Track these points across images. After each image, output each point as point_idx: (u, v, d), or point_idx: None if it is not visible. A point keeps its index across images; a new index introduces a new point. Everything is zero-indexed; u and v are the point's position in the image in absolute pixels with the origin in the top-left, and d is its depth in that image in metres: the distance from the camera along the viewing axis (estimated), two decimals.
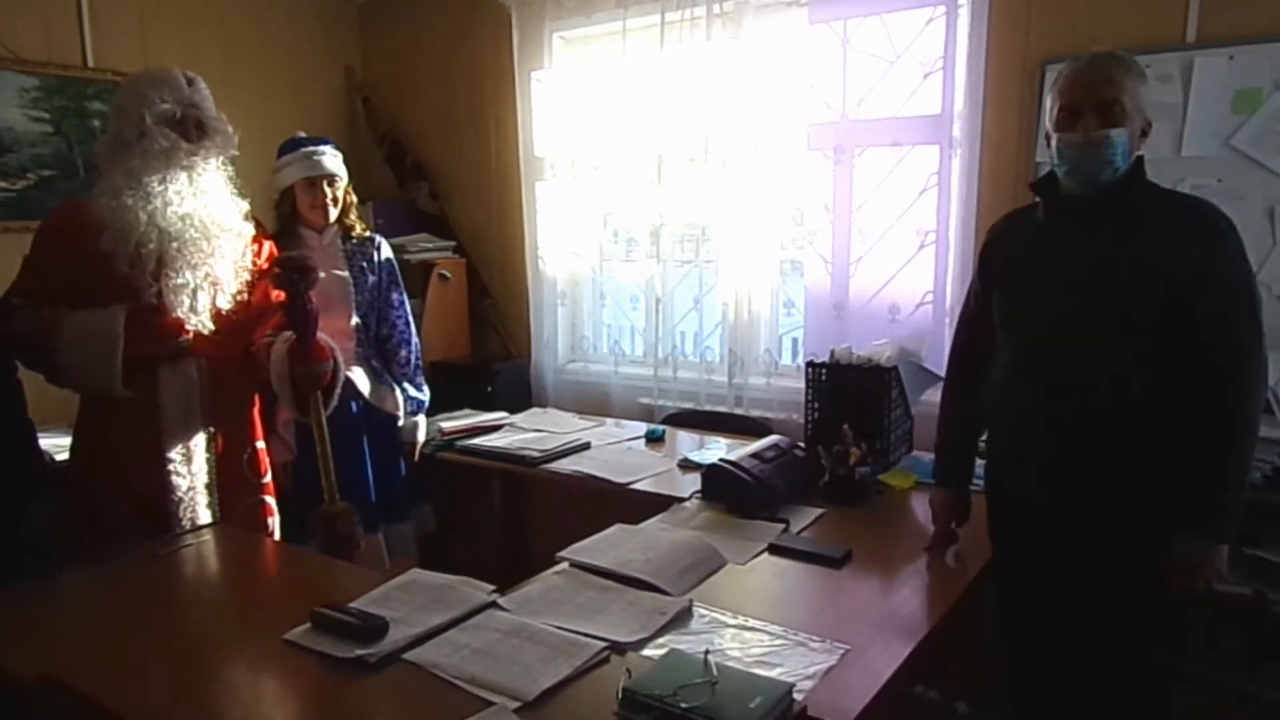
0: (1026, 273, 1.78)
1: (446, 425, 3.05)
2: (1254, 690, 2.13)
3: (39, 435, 2.10)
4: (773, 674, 1.37)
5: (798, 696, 1.31)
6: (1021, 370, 1.79)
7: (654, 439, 2.95)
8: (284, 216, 2.65)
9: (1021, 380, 1.79)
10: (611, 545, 1.89)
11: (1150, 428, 1.64)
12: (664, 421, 3.24)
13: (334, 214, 2.64)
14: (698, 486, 2.30)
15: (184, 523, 2.11)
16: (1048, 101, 1.72)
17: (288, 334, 2.11)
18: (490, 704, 1.31)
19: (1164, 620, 1.81)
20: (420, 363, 2.87)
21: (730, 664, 1.38)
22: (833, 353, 2.57)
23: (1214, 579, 1.64)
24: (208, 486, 2.16)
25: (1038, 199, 1.80)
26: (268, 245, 2.29)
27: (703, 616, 1.60)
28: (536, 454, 2.75)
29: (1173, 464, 1.63)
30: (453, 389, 3.37)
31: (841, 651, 1.46)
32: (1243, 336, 1.58)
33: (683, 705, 1.23)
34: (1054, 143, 1.67)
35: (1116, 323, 1.64)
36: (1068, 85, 1.65)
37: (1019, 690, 1.94)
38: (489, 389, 3.48)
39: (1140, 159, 1.67)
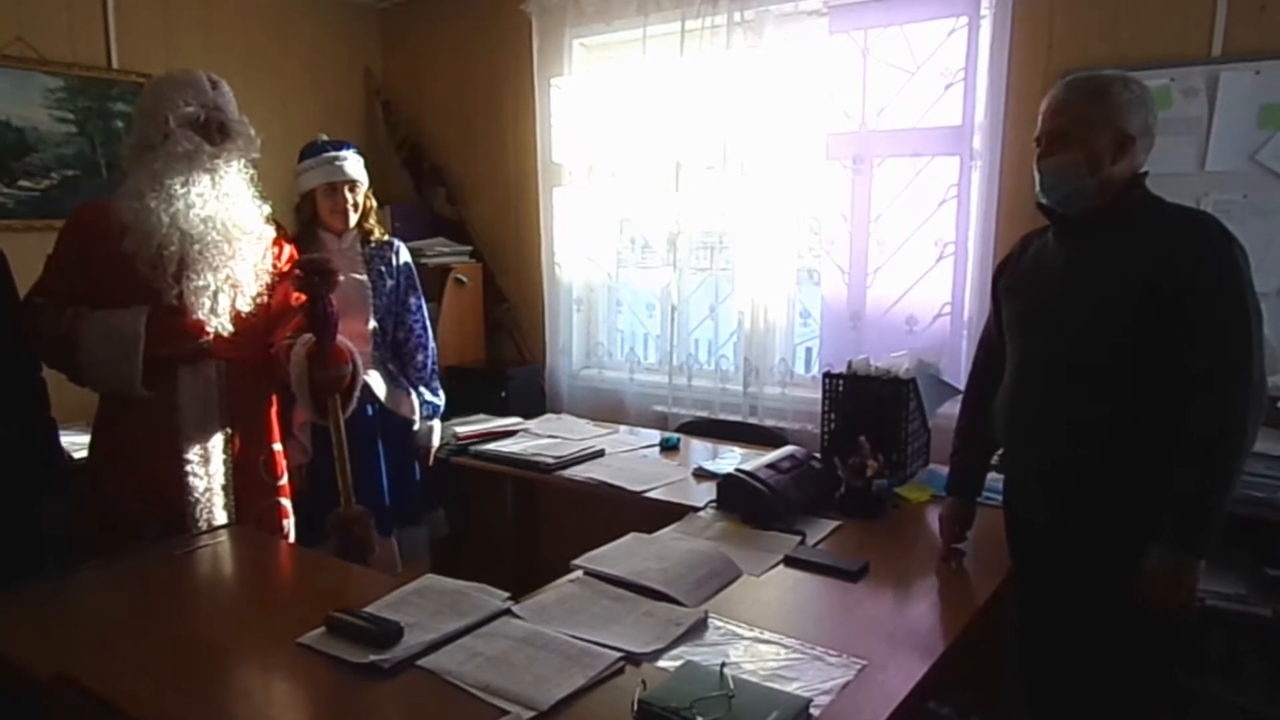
0: (1029, 289, 1.82)
1: (461, 430, 3.05)
2: (1274, 713, 2.11)
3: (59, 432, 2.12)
4: (789, 688, 1.36)
5: (814, 712, 1.30)
6: (1020, 383, 1.82)
7: (668, 447, 2.94)
8: (304, 220, 2.66)
9: (1020, 393, 1.81)
10: (626, 554, 1.88)
11: (1147, 441, 1.63)
12: (678, 430, 3.23)
13: (354, 219, 2.65)
14: (713, 496, 2.29)
15: (200, 523, 2.12)
16: None
17: (307, 336, 2.12)
18: (504, 713, 1.30)
19: (1175, 638, 1.78)
20: (436, 367, 2.87)
21: (746, 677, 1.37)
22: (850, 364, 2.56)
23: (1190, 594, 1.60)
24: (224, 488, 2.17)
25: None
26: (288, 248, 2.30)
27: (718, 628, 1.59)
28: (550, 460, 2.74)
29: (1169, 479, 1.60)
30: (467, 393, 3.37)
31: (859, 667, 1.45)
32: (1227, 346, 1.55)
33: (699, 719, 1.22)
34: None
35: (1106, 334, 1.65)
36: (1040, 115, 1.73)
37: (1035, 705, 1.93)
38: (503, 394, 3.48)
39: (1140, 174, 1.69)
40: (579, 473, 2.68)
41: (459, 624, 1.55)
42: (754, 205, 3.13)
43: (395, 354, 2.79)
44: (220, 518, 2.15)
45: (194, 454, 2.12)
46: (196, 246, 2.03)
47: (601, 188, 3.52)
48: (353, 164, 2.63)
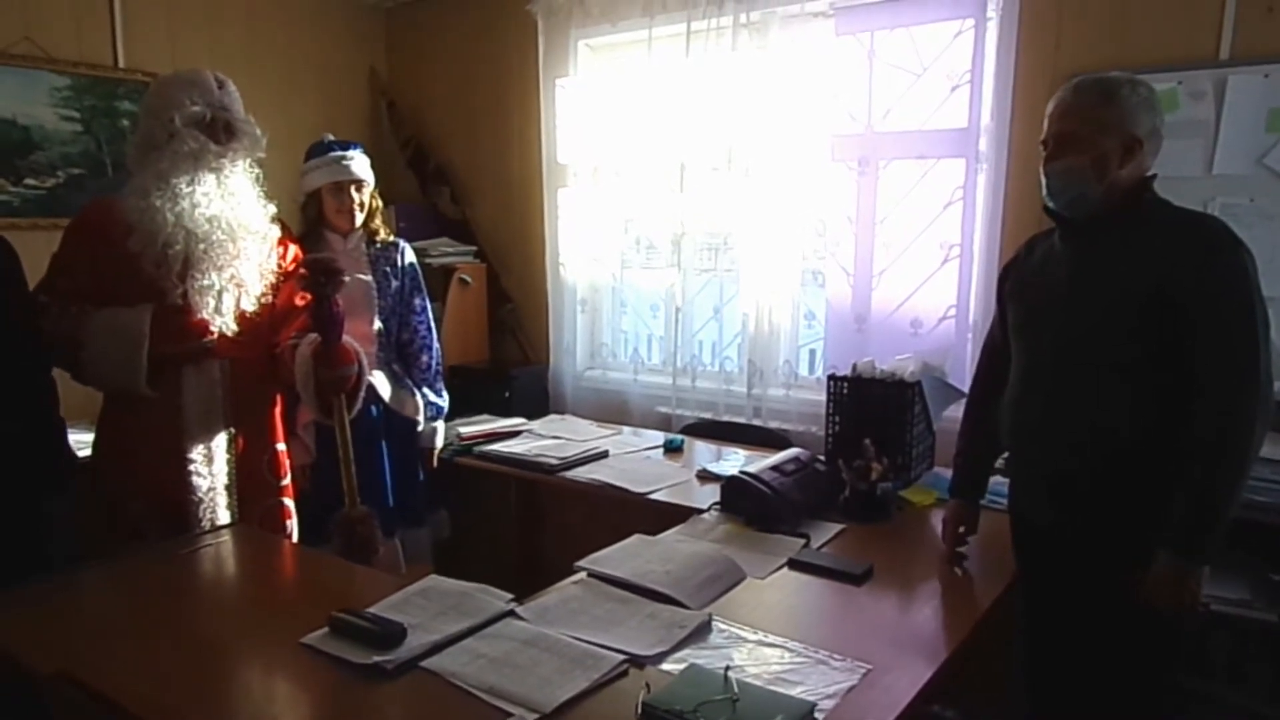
0: (1036, 291, 1.81)
1: (464, 430, 3.05)
2: (1277, 716, 2.10)
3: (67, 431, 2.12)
4: (793, 692, 1.35)
5: (819, 716, 1.29)
6: (1027, 386, 1.81)
7: (672, 449, 2.94)
8: (310, 219, 2.66)
9: (1026, 396, 1.81)
10: (630, 556, 1.87)
11: (1152, 444, 1.63)
12: (682, 431, 3.23)
13: (360, 219, 2.64)
14: (716, 498, 2.29)
15: (203, 523, 2.12)
16: None
17: (312, 336, 2.12)
18: (508, 715, 1.30)
19: (1178, 640, 1.77)
20: (440, 368, 2.87)
21: (750, 680, 1.37)
22: (855, 366, 2.55)
23: (1195, 599, 1.60)
24: (228, 487, 2.17)
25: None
26: (293, 248, 2.30)
27: (722, 631, 1.58)
28: (554, 461, 2.74)
29: (1175, 482, 1.60)
30: (470, 394, 3.37)
31: (863, 671, 1.44)
32: (1234, 350, 1.55)
33: None
34: None
35: (1112, 337, 1.65)
36: (1046, 118, 1.72)
37: (1040, 708, 1.92)
38: (507, 394, 3.48)
39: (1148, 178, 1.68)
40: (582, 474, 2.68)
41: (462, 625, 1.55)
42: (759, 207, 3.12)
43: (400, 355, 2.79)
44: (223, 517, 2.15)
45: (197, 453, 2.12)
46: (201, 246, 2.03)
47: (606, 188, 3.52)
48: (359, 163, 2.63)
